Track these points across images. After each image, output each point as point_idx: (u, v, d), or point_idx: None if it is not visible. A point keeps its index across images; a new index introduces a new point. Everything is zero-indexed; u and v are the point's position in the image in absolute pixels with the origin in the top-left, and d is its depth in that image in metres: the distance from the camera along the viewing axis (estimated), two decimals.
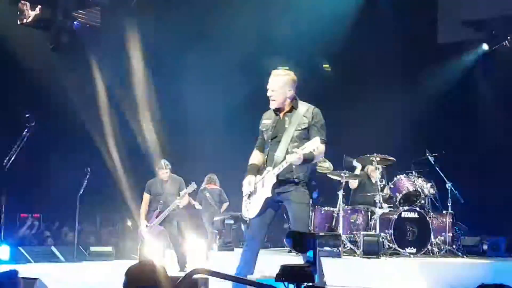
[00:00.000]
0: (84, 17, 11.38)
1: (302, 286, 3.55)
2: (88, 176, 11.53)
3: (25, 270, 7.89)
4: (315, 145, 5.34)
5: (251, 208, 5.67)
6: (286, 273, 3.74)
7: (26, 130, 6.86)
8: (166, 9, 13.49)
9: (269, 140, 5.71)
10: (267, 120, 5.80)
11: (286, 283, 3.69)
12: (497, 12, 12.81)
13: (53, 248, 11.84)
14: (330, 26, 13.20)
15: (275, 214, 5.74)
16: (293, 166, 5.46)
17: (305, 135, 5.58)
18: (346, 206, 9.71)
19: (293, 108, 5.68)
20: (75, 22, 11.14)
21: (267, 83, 5.70)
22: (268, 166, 5.63)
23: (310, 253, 3.95)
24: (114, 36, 12.67)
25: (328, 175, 10.14)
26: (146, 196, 10.18)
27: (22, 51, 12.07)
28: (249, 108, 10.13)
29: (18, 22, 11.49)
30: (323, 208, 9.91)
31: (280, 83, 5.66)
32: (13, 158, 6.85)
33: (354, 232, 9.51)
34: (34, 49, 12.15)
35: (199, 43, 13.53)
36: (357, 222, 9.65)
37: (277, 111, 5.74)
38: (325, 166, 9.75)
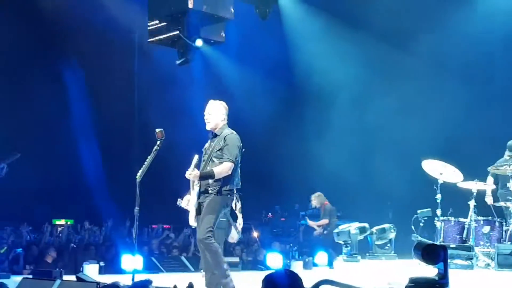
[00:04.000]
0: (209, 33, 11.67)
1: None
2: None
3: (158, 280, 8.20)
4: (221, 167, 6.69)
5: (190, 218, 6.87)
6: (416, 285, 3.63)
7: (158, 144, 7.14)
8: None
9: (203, 160, 6.95)
10: (206, 144, 7.04)
11: None
12: None
13: (183, 258, 12.21)
14: None
15: None
16: (208, 181, 6.72)
17: (220, 156, 6.78)
18: (478, 217, 9.29)
19: (217, 135, 6.93)
20: (199, 39, 11.45)
21: None
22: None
23: (440, 266, 3.81)
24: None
25: (458, 185, 9.77)
26: None
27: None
28: None
29: (148, 40, 12.03)
30: (453, 219, 9.54)
31: (215, 108, 6.97)
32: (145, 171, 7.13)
33: (488, 244, 9.08)
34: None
35: None
36: (490, 233, 9.20)
37: (212, 135, 6.99)
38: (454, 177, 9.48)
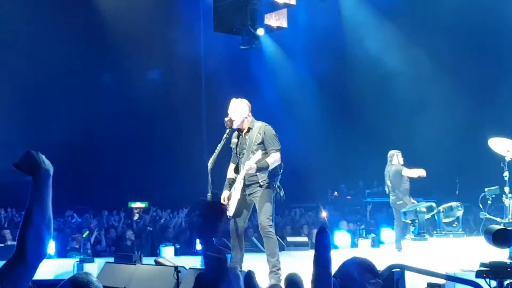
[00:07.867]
0: (273, 20, 11.82)
1: (505, 283, 3.56)
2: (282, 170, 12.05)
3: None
4: (273, 158, 6.83)
5: (230, 209, 6.98)
6: (488, 269, 3.77)
7: (227, 132, 7.43)
8: None
9: (238, 155, 7.14)
10: (234, 139, 7.21)
11: (487, 279, 3.73)
12: None
13: (254, 239, 12.54)
14: None
15: (249, 210, 7.10)
16: (256, 174, 6.84)
17: (262, 148, 6.95)
18: None
19: (250, 128, 7.07)
20: (261, 28, 11.58)
21: None
22: (239, 175, 7.05)
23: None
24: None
25: None
26: None
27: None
28: None
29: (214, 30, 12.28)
30: None
31: (237, 105, 7.08)
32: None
33: None
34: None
35: None
36: None
37: (240, 131, 7.13)
38: None
